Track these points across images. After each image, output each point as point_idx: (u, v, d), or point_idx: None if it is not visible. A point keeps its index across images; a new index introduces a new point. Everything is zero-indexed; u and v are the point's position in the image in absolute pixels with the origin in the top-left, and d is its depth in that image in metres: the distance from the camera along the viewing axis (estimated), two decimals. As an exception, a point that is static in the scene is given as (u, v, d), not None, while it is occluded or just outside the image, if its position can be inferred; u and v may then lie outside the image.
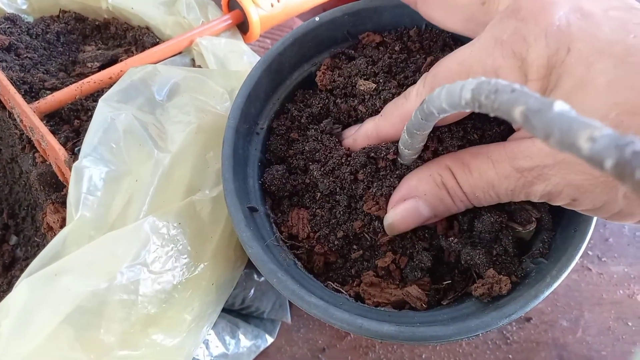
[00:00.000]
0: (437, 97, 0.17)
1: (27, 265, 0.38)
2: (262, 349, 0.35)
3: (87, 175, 0.23)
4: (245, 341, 0.33)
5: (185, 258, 0.24)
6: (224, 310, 0.34)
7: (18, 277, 0.38)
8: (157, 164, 0.24)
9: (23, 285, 0.21)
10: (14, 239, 0.39)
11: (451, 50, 0.26)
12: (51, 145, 0.28)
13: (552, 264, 0.24)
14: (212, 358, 0.31)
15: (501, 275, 0.24)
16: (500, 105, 0.13)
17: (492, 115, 0.14)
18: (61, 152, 0.28)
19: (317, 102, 0.29)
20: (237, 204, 0.25)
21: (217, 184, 0.27)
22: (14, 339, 0.20)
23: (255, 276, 0.34)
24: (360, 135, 0.26)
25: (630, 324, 0.35)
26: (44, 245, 0.36)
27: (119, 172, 0.24)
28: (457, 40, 0.28)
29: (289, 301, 0.36)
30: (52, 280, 0.21)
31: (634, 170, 0.10)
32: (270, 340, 0.35)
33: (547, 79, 0.19)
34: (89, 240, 0.22)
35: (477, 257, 0.24)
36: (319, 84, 0.29)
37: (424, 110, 0.18)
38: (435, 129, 0.25)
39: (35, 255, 0.38)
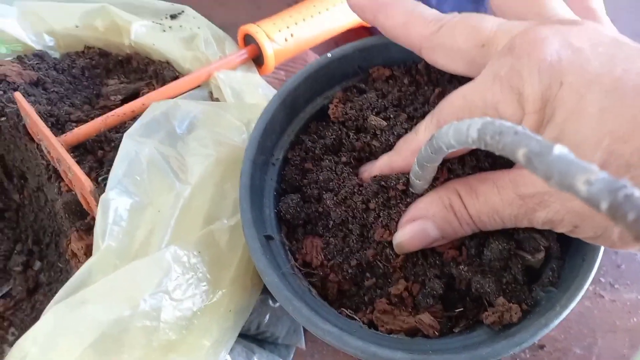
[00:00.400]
0: (445, 134, 0.18)
1: (50, 289, 0.39)
2: (276, 374, 0.35)
3: (113, 207, 0.24)
4: (261, 367, 0.34)
5: (205, 285, 0.25)
6: (239, 335, 0.34)
7: (41, 301, 0.39)
8: (178, 196, 0.25)
9: (50, 314, 0.22)
10: (37, 265, 0.41)
11: (458, 81, 0.27)
12: (77, 176, 0.30)
13: (561, 293, 0.24)
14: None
15: (511, 304, 0.25)
16: (505, 146, 0.14)
17: (497, 154, 0.15)
18: (87, 183, 0.29)
19: (330, 134, 0.30)
20: (254, 233, 0.26)
21: (235, 214, 0.28)
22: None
23: (271, 302, 0.35)
24: (375, 170, 0.27)
25: (644, 351, 0.35)
26: (67, 271, 0.38)
27: (143, 203, 0.25)
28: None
29: (304, 327, 0.37)
30: (78, 308, 0.22)
31: (626, 213, 0.10)
32: (284, 366, 0.36)
33: (543, 111, 0.20)
34: (114, 268, 0.23)
35: (487, 285, 0.25)
36: (331, 116, 0.30)
37: (433, 145, 0.19)
38: (446, 160, 0.26)
39: (58, 280, 0.39)
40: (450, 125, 0.18)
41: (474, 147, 0.17)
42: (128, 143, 0.26)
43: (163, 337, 0.23)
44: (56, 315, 0.22)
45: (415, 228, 0.25)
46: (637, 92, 0.18)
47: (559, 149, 0.12)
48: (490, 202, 0.22)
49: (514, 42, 0.21)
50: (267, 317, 0.35)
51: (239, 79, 0.37)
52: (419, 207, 0.25)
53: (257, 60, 0.40)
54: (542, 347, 0.36)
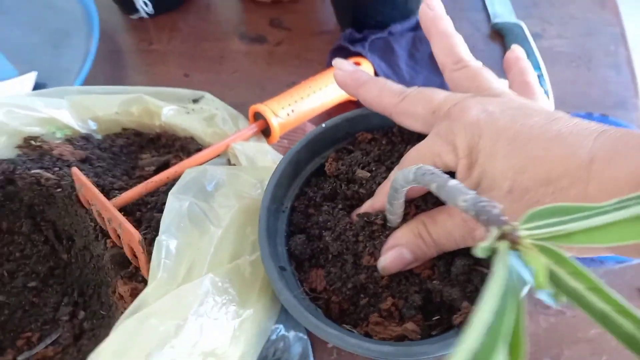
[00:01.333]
0: (397, 178, 0.26)
1: (93, 335, 0.46)
2: (291, 396, 0.41)
3: (165, 246, 0.31)
4: (278, 389, 0.40)
5: (234, 306, 0.32)
6: (259, 361, 0.41)
7: (86, 344, 0.46)
8: (212, 237, 0.33)
9: (121, 328, 0.29)
10: (82, 314, 0.47)
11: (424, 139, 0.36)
12: (127, 229, 0.38)
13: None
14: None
15: (474, 306, 0.31)
16: (426, 182, 0.22)
17: (427, 189, 0.23)
18: (136, 235, 0.37)
19: (327, 186, 0.38)
20: (272, 264, 0.33)
21: (255, 251, 0.35)
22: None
23: (284, 331, 0.41)
24: (361, 212, 0.35)
25: (604, 358, 0.41)
26: (109, 317, 0.44)
27: (185, 243, 0.33)
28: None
29: (311, 352, 0.43)
30: (142, 322, 0.29)
31: (480, 216, 0.18)
32: (298, 388, 0.42)
33: (470, 156, 0.28)
34: (166, 293, 0.30)
35: (454, 293, 0.32)
36: (327, 172, 0.39)
37: (393, 186, 0.27)
38: (412, 200, 0.33)
39: (100, 325, 0.46)
40: (401, 171, 0.26)
41: (414, 185, 0.25)
42: (172, 199, 0.34)
43: (204, 346, 0.30)
44: (124, 329, 0.29)
45: (393, 254, 0.32)
46: (529, 140, 0.26)
47: (452, 182, 0.20)
48: (445, 227, 0.30)
49: (450, 110, 0.29)
50: (282, 344, 0.41)
51: (251, 147, 0.46)
52: (395, 237, 0.33)
53: (265, 132, 0.49)
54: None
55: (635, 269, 0.45)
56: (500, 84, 0.34)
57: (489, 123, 0.27)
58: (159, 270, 0.31)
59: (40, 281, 0.47)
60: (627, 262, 0.41)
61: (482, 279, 0.33)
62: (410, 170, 0.23)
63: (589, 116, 0.46)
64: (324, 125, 0.39)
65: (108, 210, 0.40)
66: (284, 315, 0.41)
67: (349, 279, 0.35)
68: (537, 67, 0.56)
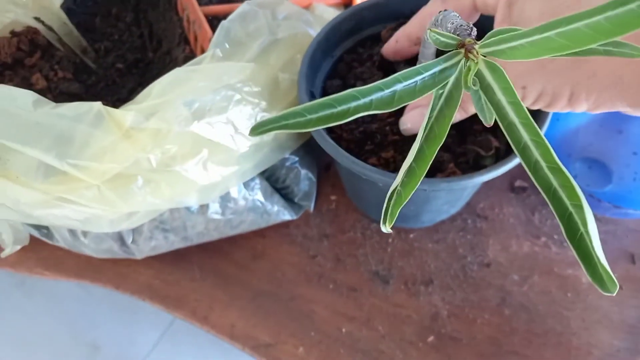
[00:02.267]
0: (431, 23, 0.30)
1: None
2: (285, 219, 0.47)
3: (226, 30, 0.38)
4: (278, 206, 0.46)
5: (264, 102, 0.38)
6: (269, 181, 0.47)
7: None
8: (264, 42, 0.39)
9: (172, 72, 0.36)
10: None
11: None
12: (204, 28, 0.44)
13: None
14: (253, 198, 0.44)
15: (457, 169, 0.35)
16: (440, 22, 0.25)
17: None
18: (210, 33, 0.43)
19: (377, 48, 0.42)
20: (305, 85, 0.39)
21: (297, 74, 0.41)
22: (156, 97, 0.35)
23: (298, 165, 0.47)
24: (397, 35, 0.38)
25: (569, 294, 0.43)
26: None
27: (242, 38, 0.39)
28: None
29: (314, 195, 0.49)
30: (190, 73, 0.35)
31: (456, 32, 0.22)
32: (294, 216, 0.48)
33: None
34: (216, 63, 0.37)
35: (446, 157, 0.36)
36: (382, 38, 0.43)
37: (423, 38, 0.31)
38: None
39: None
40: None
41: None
42: (246, 5, 0.40)
43: (231, 115, 0.36)
44: (177, 73, 0.36)
45: (415, 114, 0.36)
46: None
47: (453, 13, 0.24)
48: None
49: None
50: (292, 174, 0.47)
51: (329, 12, 0.50)
52: (419, 100, 0.36)
53: (348, 6, 0.54)
54: (488, 265, 0.45)
55: (635, 236, 0.46)
56: None
57: None
58: (216, 47, 0.37)
59: (126, 66, 0.56)
60: (623, 208, 0.42)
61: (476, 158, 0.36)
62: (436, 16, 0.27)
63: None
64: (401, -9, 0.42)
65: (196, 11, 0.47)
66: (302, 153, 0.47)
67: (362, 124, 0.39)
68: None
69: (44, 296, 1.01)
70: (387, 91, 0.17)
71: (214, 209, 0.41)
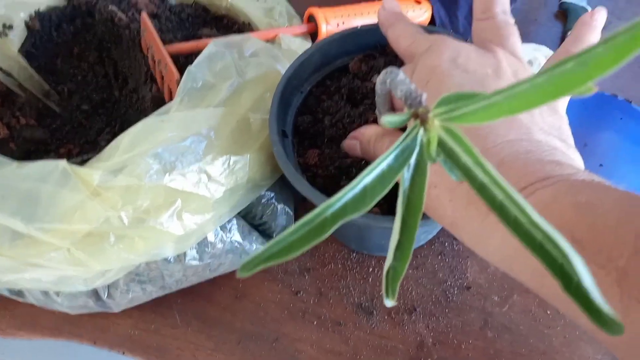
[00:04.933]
0: (378, 80, 0.30)
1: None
2: (265, 256, 0.47)
3: (193, 76, 0.37)
4: (256, 244, 0.46)
5: (235, 146, 0.37)
6: (246, 219, 0.46)
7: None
8: (233, 84, 0.38)
9: (141, 123, 0.35)
10: (117, 145, 0.55)
11: None
12: (170, 69, 0.44)
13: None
14: (230, 240, 0.43)
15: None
16: (387, 79, 0.25)
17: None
18: (176, 74, 0.43)
19: (345, 80, 0.42)
20: (275, 124, 0.38)
21: (267, 114, 0.40)
22: (125, 151, 0.34)
23: (275, 201, 0.47)
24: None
25: (548, 312, 0.44)
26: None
27: (210, 82, 0.38)
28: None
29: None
30: (159, 123, 0.35)
31: (407, 101, 0.22)
32: (273, 253, 0.47)
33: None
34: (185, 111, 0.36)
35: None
36: (350, 69, 0.43)
37: (375, 89, 0.31)
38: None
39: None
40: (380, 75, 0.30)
41: (383, 86, 0.29)
42: (212, 46, 0.39)
43: (203, 164, 0.36)
44: (145, 123, 0.35)
45: (350, 143, 0.36)
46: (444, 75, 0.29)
47: (401, 76, 0.24)
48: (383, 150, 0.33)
49: (430, 45, 0.32)
50: (269, 210, 0.47)
51: (296, 42, 0.50)
52: (360, 130, 0.36)
53: (313, 35, 0.54)
54: (468, 288, 0.45)
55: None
56: (516, 45, 0.33)
57: (442, 75, 0.30)
58: (183, 93, 0.36)
59: (92, 107, 0.55)
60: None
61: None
62: (383, 71, 0.27)
63: (613, 98, 0.47)
64: (359, 26, 0.42)
65: (160, 52, 0.46)
66: (278, 188, 0.47)
67: (338, 159, 0.39)
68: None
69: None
70: (357, 189, 0.17)
71: (192, 255, 0.41)
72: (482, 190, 0.21)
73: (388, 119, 0.20)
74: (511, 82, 0.30)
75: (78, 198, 0.33)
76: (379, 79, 0.30)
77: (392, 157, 0.20)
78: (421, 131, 0.20)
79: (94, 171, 0.33)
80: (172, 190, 0.34)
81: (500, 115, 0.18)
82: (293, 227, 0.18)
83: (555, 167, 0.25)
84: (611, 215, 0.21)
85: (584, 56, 0.14)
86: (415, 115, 0.21)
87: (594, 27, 0.33)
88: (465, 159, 0.20)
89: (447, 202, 0.28)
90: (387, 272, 0.19)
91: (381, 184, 0.17)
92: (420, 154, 0.19)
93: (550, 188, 0.24)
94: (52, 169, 0.34)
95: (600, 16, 0.33)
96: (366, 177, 0.16)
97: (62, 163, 0.34)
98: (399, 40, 0.37)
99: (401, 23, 0.38)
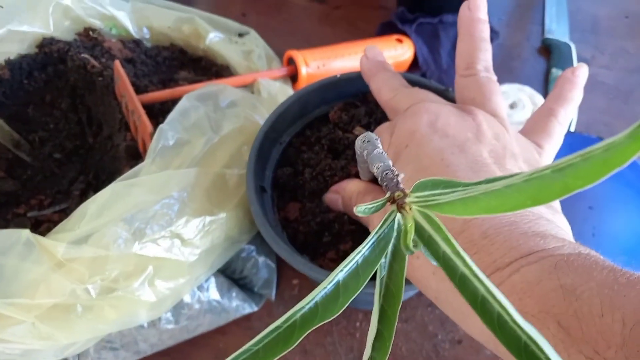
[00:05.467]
0: (357, 143, 0.29)
1: (95, 213, 0.51)
2: (246, 313, 0.45)
3: (165, 134, 0.35)
4: (236, 301, 0.44)
5: (210, 205, 0.36)
6: (225, 274, 0.44)
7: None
8: (208, 141, 0.37)
9: (109, 187, 0.33)
10: (91, 194, 0.52)
11: None
12: (144, 121, 0.42)
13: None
14: (208, 300, 0.41)
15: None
16: (363, 148, 0.24)
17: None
18: (149, 126, 0.41)
19: (325, 130, 0.41)
20: (253, 182, 0.37)
21: (244, 168, 0.39)
22: (91, 219, 0.32)
23: (255, 254, 0.45)
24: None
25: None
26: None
27: (184, 139, 0.36)
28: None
29: (275, 282, 0.46)
30: (128, 188, 0.33)
31: (383, 183, 0.20)
32: (254, 308, 0.45)
33: (395, 154, 0.30)
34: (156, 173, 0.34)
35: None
36: (330, 119, 0.41)
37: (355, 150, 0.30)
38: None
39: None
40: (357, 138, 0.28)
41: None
42: (185, 100, 0.38)
43: (175, 228, 0.34)
44: (114, 189, 0.33)
45: (331, 197, 0.36)
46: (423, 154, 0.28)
47: (377, 151, 0.23)
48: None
49: (410, 107, 0.31)
50: (250, 264, 0.45)
51: (276, 87, 0.49)
52: (342, 185, 0.35)
53: (293, 78, 0.52)
54: (460, 342, 0.44)
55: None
56: (499, 104, 0.33)
57: (422, 140, 0.29)
58: (155, 153, 0.35)
59: (64, 155, 0.53)
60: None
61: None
62: (360, 137, 0.26)
63: (599, 140, 0.46)
64: (338, 75, 0.41)
65: (133, 102, 0.44)
66: (259, 241, 0.45)
67: (319, 214, 0.37)
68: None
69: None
70: (329, 285, 0.16)
71: (167, 318, 0.39)
72: (462, 283, 0.19)
73: (361, 209, 0.19)
74: (492, 145, 0.29)
75: (41, 270, 0.31)
76: (356, 143, 0.28)
77: (367, 248, 0.18)
78: (398, 216, 0.19)
79: (58, 243, 0.31)
80: (143, 258, 0.33)
81: (477, 212, 0.17)
82: (260, 337, 0.16)
83: (539, 241, 0.24)
84: (596, 300, 0.20)
85: (562, 166, 0.14)
86: (392, 200, 0.19)
87: (575, 83, 0.32)
88: (444, 247, 0.19)
89: (430, 275, 0.27)
90: (368, 365, 0.17)
91: (355, 279, 0.16)
92: (398, 241, 0.18)
93: (534, 266, 0.23)
94: (15, 240, 0.32)
95: (582, 72, 0.32)
96: (339, 273, 0.15)
97: (26, 233, 0.32)
98: (380, 92, 0.36)
99: (384, 74, 0.37)
